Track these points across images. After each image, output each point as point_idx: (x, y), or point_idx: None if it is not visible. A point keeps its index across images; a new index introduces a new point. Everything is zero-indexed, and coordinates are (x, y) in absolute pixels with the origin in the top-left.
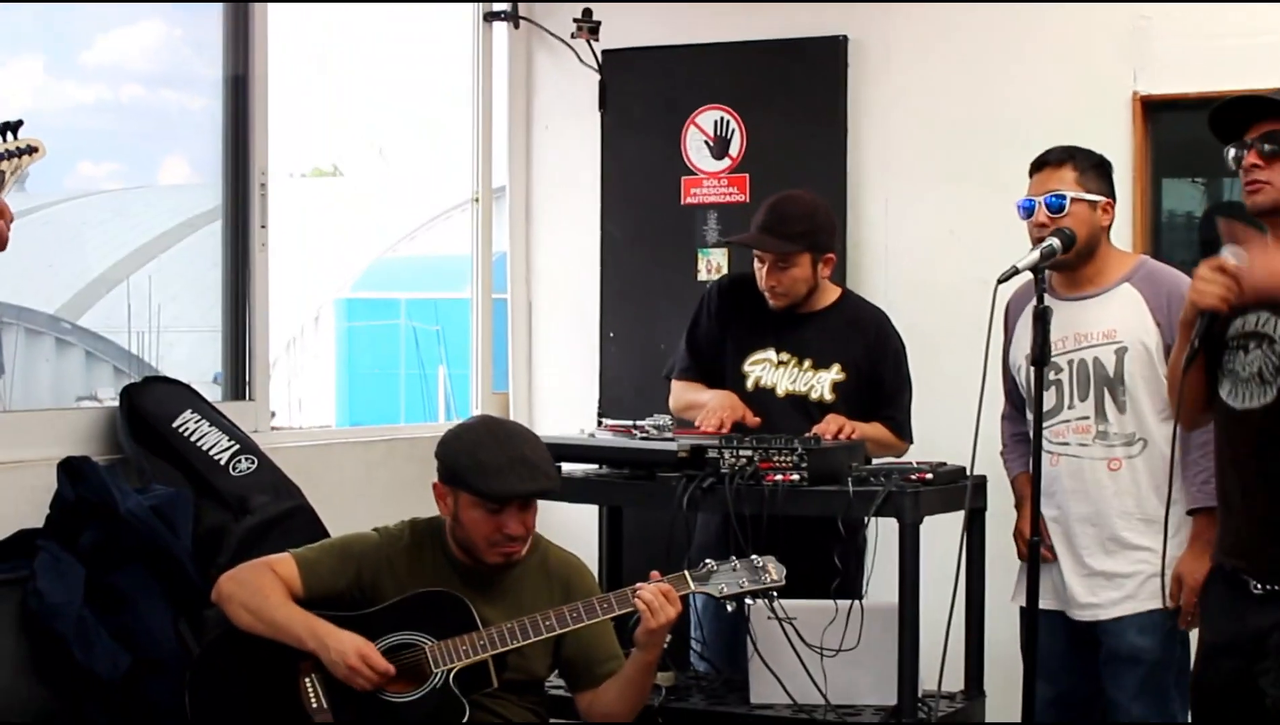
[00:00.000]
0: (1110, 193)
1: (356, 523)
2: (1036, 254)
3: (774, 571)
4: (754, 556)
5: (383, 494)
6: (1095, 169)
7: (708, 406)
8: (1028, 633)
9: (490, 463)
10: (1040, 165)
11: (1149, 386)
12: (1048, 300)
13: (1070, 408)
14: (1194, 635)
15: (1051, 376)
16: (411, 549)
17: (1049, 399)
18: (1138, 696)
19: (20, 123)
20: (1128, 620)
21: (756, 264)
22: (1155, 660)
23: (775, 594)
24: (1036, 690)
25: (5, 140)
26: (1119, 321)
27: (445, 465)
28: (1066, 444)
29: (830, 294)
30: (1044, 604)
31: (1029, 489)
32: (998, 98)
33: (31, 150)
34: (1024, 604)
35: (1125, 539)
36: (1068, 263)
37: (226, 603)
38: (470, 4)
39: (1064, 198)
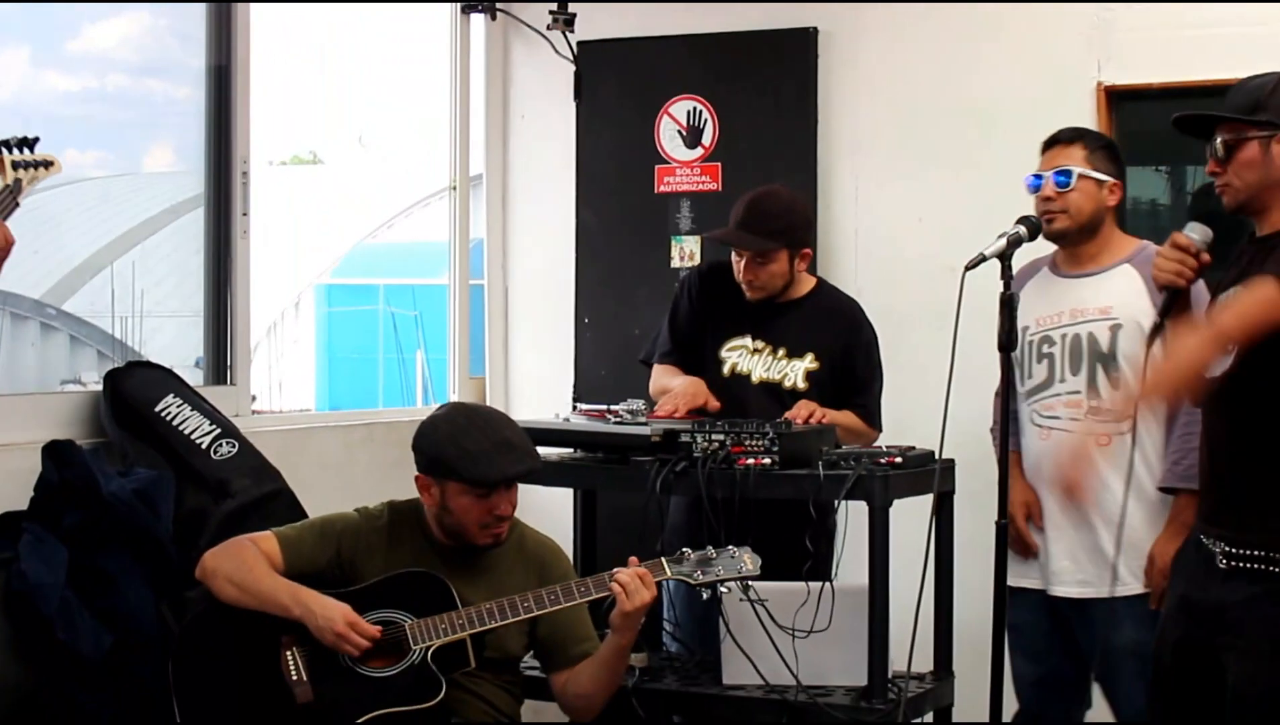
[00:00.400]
0: (1118, 174)
1: (336, 505)
2: (1003, 242)
3: (749, 561)
4: (731, 547)
5: (362, 477)
6: (1104, 150)
7: (672, 391)
8: (997, 613)
9: (476, 450)
10: (1051, 143)
11: (1141, 365)
12: (1050, 276)
13: (1062, 381)
14: None
15: (1045, 350)
16: (391, 529)
17: (1040, 372)
18: (1134, 682)
19: (37, 139)
20: (1120, 605)
21: (734, 257)
22: (1145, 648)
23: (749, 584)
24: (1019, 670)
25: (24, 152)
26: (1116, 299)
27: (428, 456)
28: (1057, 418)
29: (805, 284)
30: (1029, 582)
31: (1019, 468)
32: (965, 87)
33: (47, 164)
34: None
35: (1111, 516)
36: (1070, 238)
37: (211, 578)
38: None
39: (1070, 173)
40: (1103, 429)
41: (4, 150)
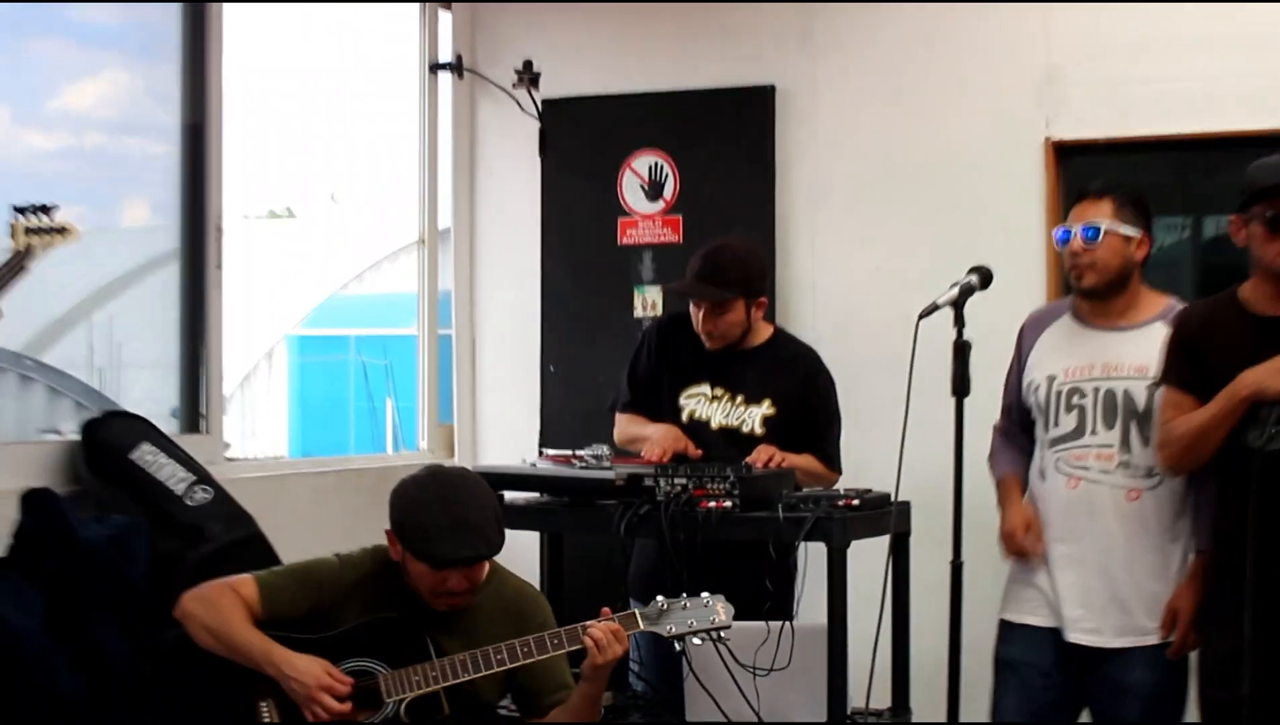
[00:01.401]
0: (1146, 228)
1: (308, 551)
2: (955, 291)
3: (723, 613)
4: (704, 595)
5: (334, 522)
6: (1133, 205)
7: (651, 438)
8: (953, 650)
9: (431, 526)
10: (1080, 197)
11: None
12: (1076, 326)
13: (1093, 433)
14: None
15: (1074, 401)
16: (372, 577)
17: (1069, 422)
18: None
19: (55, 207)
20: (1135, 654)
21: (693, 308)
22: (1159, 694)
23: (721, 634)
24: (1007, 706)
25: (39, 218)
26: (1152, 359)
27: (393, 518)
28: (1086, 468)
29: (763, 332)
30: (1035, 620)
31: (1018, 491)
32: (919, 142)
33: (63, 231)
34: (1007, 618)
35: (1140, 570)
36: (1099, 293)
37: (188, 621)
38: (417, 56)
39: (1098, 229)
40: (1133, 483)
41: (19, 216)
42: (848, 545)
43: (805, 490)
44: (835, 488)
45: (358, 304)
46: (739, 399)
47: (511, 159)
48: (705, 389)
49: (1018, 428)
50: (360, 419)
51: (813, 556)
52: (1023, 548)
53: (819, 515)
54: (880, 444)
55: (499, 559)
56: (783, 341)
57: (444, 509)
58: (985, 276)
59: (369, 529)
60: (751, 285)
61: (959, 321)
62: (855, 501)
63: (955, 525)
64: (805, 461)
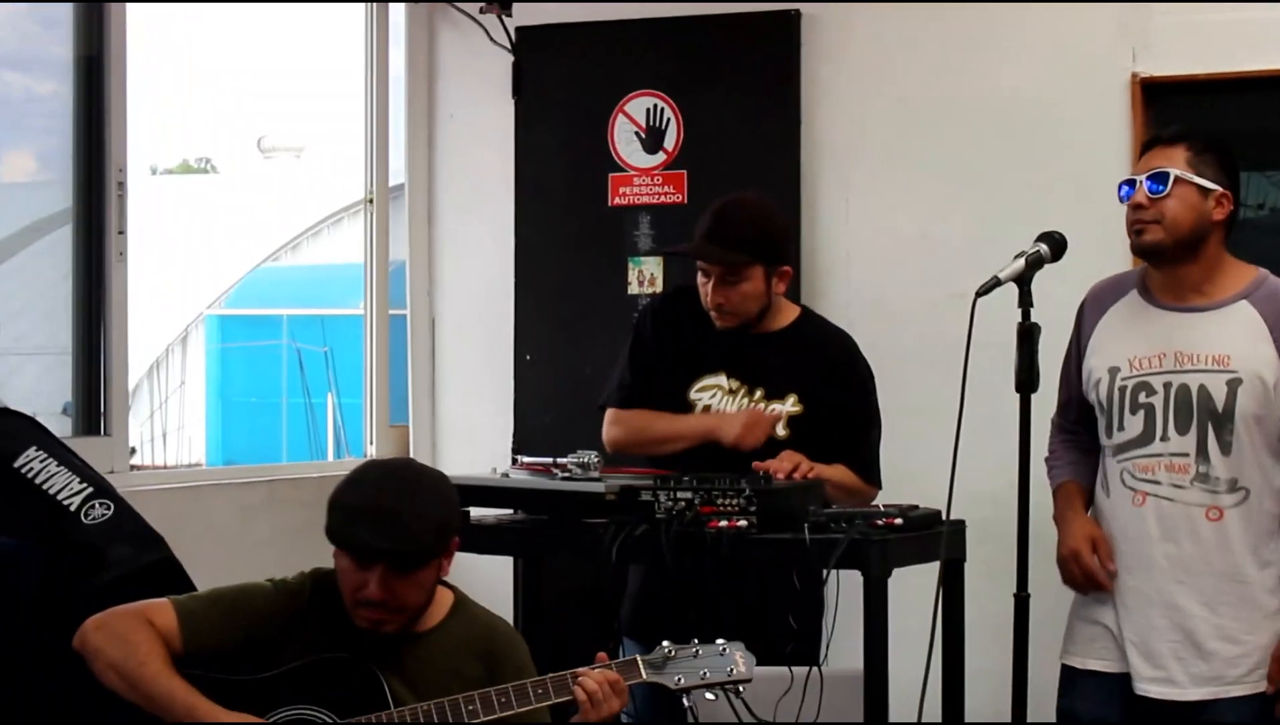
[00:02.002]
0: (1229, 184)
1: (230, 578)
2: (1021, 263)
3: (742, 663)
4: (720, 641)
5: (263, 544)
6: (1212, 152)
7: (727, 418)
8: (1016, 701)
9: (350, 504)
10: (1150, 144)
11: (1262, 427)
12: (1143, 304)
13: (1164, 440)
14: None
15: (1141, 398)
16: (314, 606)
17: (1135, 425)
18: None
19: None
20: (1220, 706)
21: (700, 279)
22: None
23: (740, 690)
24: None
25: None
26: (1235, 347)
27: (327, 505)
28: (1157, 483)
29: (787, 313)
30: (1102, 665)
31: (1080, 501)
32: (977, 79)
33: None
34: (1070, 662)
35: (1221, 605)
36: (1166, 256)
37: (93, 657)
38: None
39: (1167, 177)
40: (1212, 500)
41: None
42: (889, 574)
43: (837, 507)
44: (874, 504)
45: (291, 277)
46: (758, 393)
47: (478, 101)
48: (720, 380)
49: (1080, 427)
50: (295, 418)
51: (846, 588)
52: (1090, 570)
53: (854, 537)
54: (927, 451)
55: (464, 588)
56: (811, 324)
57: (376, 493)
58: (1057, 245)
59: (306, 553)
60: (771, 249)
61: (1025, 300)
62: (898, 520)
63: (1020, 550)
64: (837, 472)
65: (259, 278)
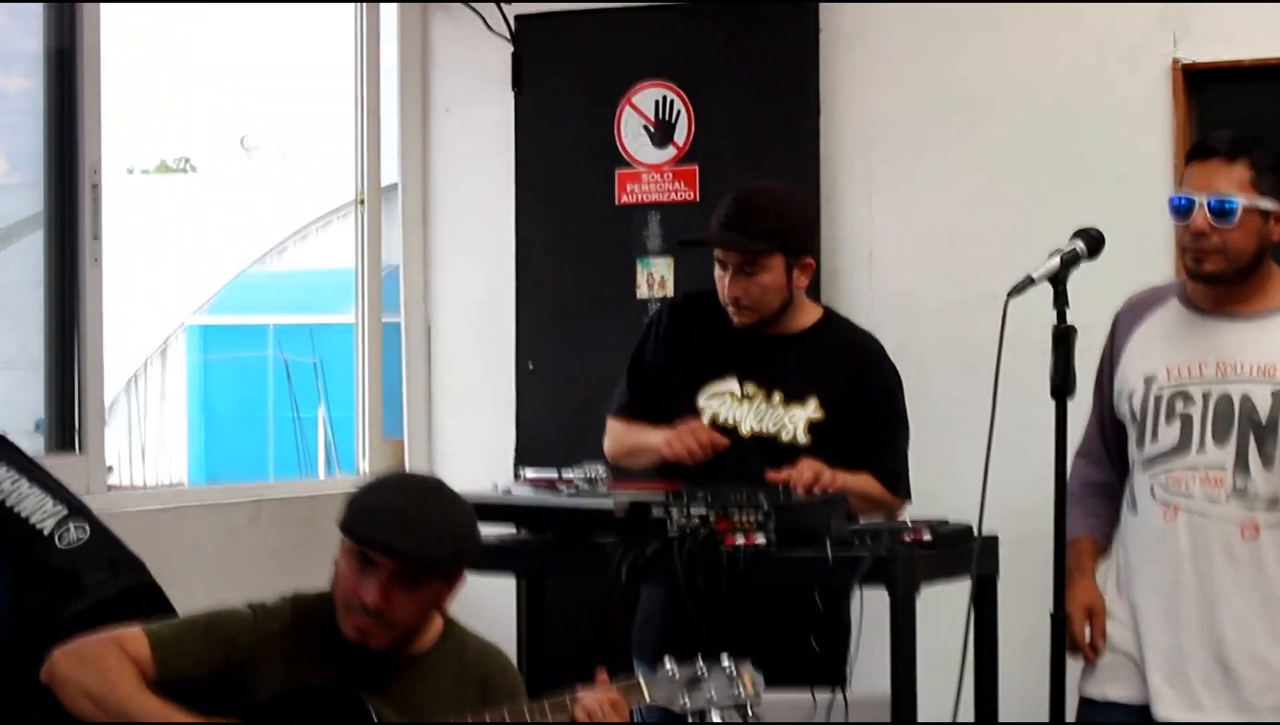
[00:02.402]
0: None
1: (213, 603)
2: (1056, 261)
3: (749, 682)
4: (726, 660)
5: (248, 567)
6: (1274, 171)
7: (666, 433)
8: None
9: (373, 502)
10: (1205, 153)
11: None
12: (1186, 313)
13: (1201, 451)
14: None
15: (1179, 408)
16: (295, 630)
17: (1170, 436)
18: None
19: None
20: None
21: (718, 271)
22: None
23: (750, 712)
24: None
25: None
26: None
27: (347, 502)
28: (1190, 497)
29: (809, 313)
30: (1121, 694)
31: (1091, 561)
32: (1009, 66)
33: None
34: (1087, 693)
35: (1255, 629)
36: (1224, 280)
37: (61, 686)
38: None
39: (1234, 208)
40: (1248, 516)
41: None
42: (917, 592)
43: (862, 521)
44: (900, 518)
45: (278, 284)
46: (776, 398)
47: (476, 94)
48: (733, 385)
49: (1110, 456)
50: (282, 433)
51: (872, 607)
52: (1077, 642)
53: (879, 554)
54: (957, 461)
55: (463, 610)
56: (834, 325)
57: (400, 496)
58: (1095, 242)
59: (295, 575)
60: (794, 238)
61: (1060, 301)
62: (926, 536)
63: (1056, 565)
64: (862, 482)
65: (243, 284)
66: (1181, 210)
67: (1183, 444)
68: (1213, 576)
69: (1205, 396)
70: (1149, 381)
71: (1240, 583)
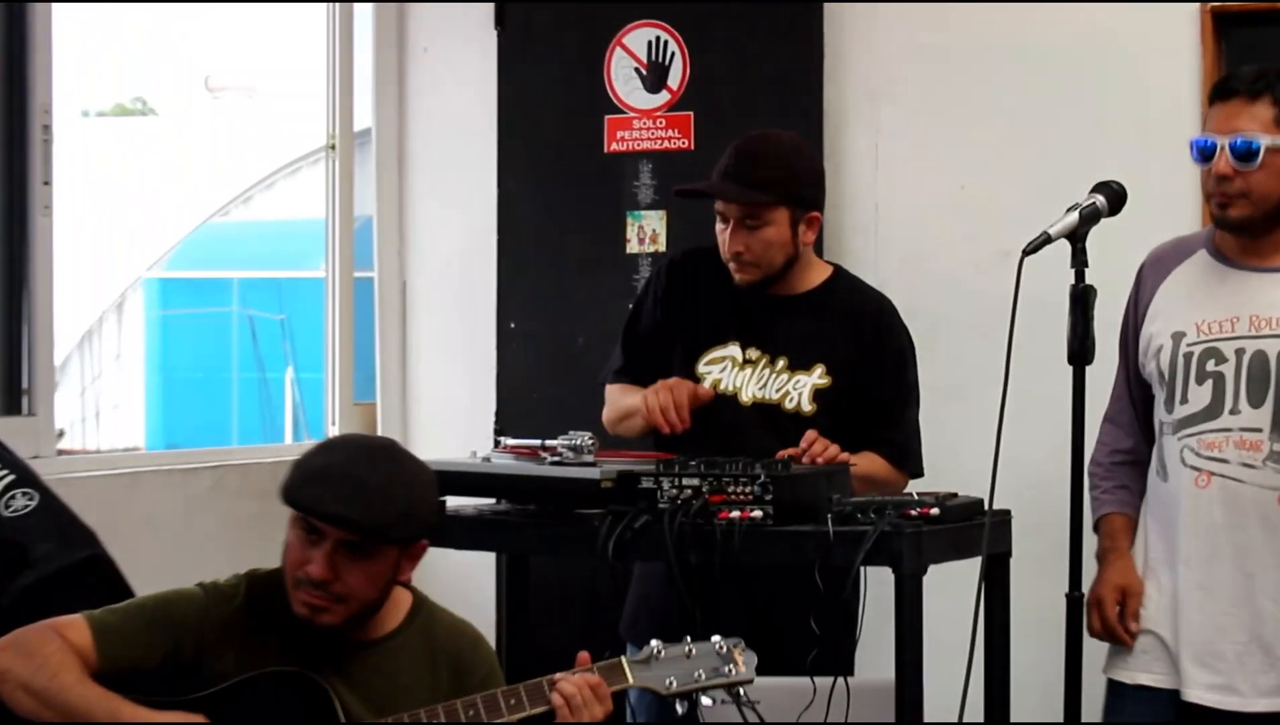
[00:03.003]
0: None
1: (173, 579)
2: (1074, 217)
3: (741, 661)
4: (716, 638)
5: (209, 540)
6: None
7: (648, 392)
8: (1069, 714)
9: (315, 466)
10: (1228, 93)
11: None
12: (1215, 265)
13: (1234, 413)
14: None
15: (1210, 367)
16: (250, 612)
17: (1201, 397)
18: None
19: None
20: None
21: (719, 226)
22: None
23: (742, 694)
24: None
25: None
26: None
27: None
28: (1224, 461)
29: (817, 272)
30: (1151, 678)
31: (1126, 538)
32: (1026, 8)
33: None
34: (1115, 676)
35: None
36: (1250, 228)
37: (0, 681)
38: None
39: (1257, 147)
40: None
41: None
42: (924, 571)
43: (869, 496)
44: (906, 492)
45: (243, 235)
46: (780, 364)
47: (456, 33)
48: (734, 350)
49: (1138, 420)
50: (246, 396)
51: (876, 586)
52: (1110, 625)
53: (883, 529)
54: (968, 431)
55: (426, 588)
56: (843, 286)
57: (346, 459)
58: (1116, 196)
59: (259, 549)
60: (800, 189)
61: (1079, 259)
62: (934, 510)
63: (1073, 543)
64: (869, 461)
65: (205, 236)
66: (1204, 152)
67: (1215, 406)
68: (1249, 548)
69: (1238, 353)
70: (1177, 338)
71: (1279, 554)
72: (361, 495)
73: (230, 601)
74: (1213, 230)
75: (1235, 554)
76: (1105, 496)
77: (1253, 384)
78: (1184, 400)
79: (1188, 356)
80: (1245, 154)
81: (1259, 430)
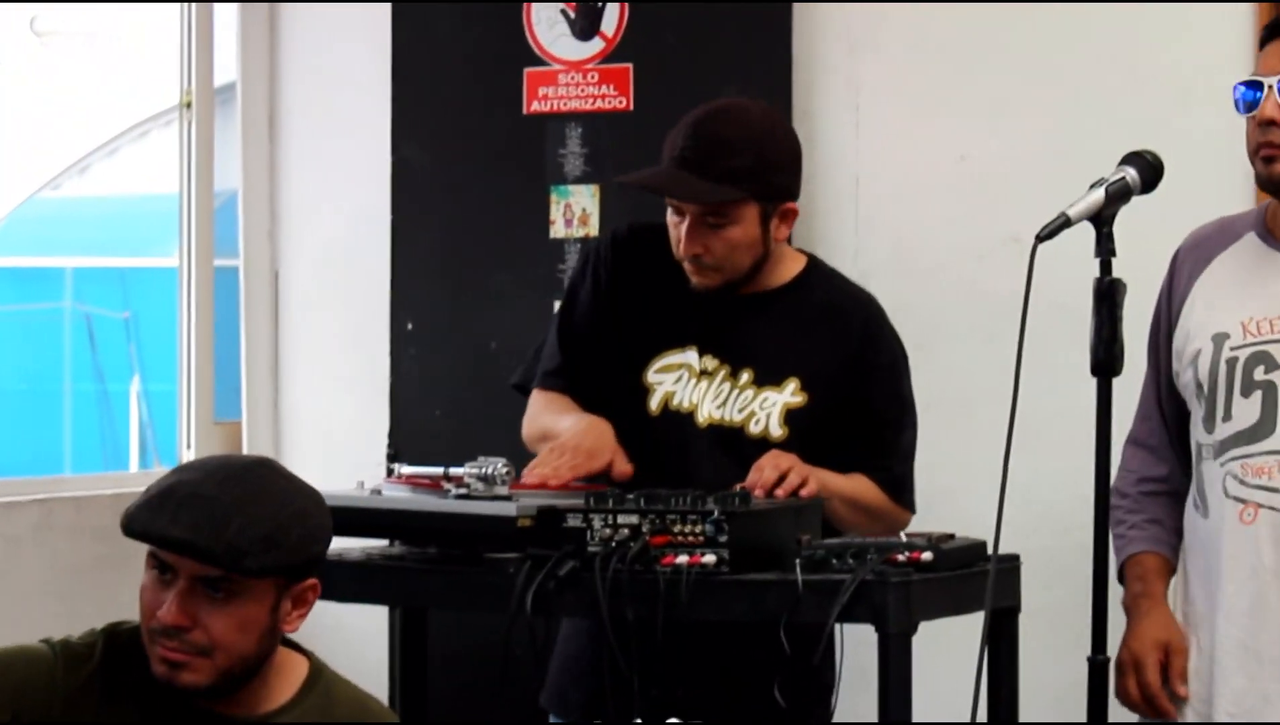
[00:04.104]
0: None
1: None
2: (1099, 194)
3: None
4: (673, 723)
5: (34, 591)
6: None
7: (556, 441)
8: None
9: (161, 487)
10: (1275, 32)
11: None
12: (1265, 249)
13: None
14: None
15: (1258, 375)
16: (107, 677)
17: (1248, 412)
18: None
19: None
20: None
21: (671, 217)
22: None
23: None
24: None
25: None
26: None
27: None
28: (1275, 490)
29: (789, 264)
30: None
31: (1162, 583)
32: None
33: None
34: None
35: None
36: None
37: None
38: None
39: None
40: None
41: None
42: (914, 630)
43: (847, 536)
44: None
45: (78, 214)
46: (744, 377)
47: None
48: (690, 357)
49: (1171, 445)
50: (81, 412)
51: (856, 647)
52: (1153, 692)
53: (864, 578)
54: (968, 456)
55: (320, 649)
56: (821, 281)
57: (202, 478)
58: (1151, 169)
59: (98, 600)
60: (772, 179)
61: (1105, 247)
62: (926, 555)
63: (1096, 596)
64: (854, 485)
65: (31, 213)
66: (1249, 98)
67: (1264, 422)
68: None
69: None
70: (1219, 341)
71: None
72: (210, 516)
73: (85, 663)
74: (1264, 209)
75: None
76: (1133, 532)
77: None
78: (1227, 417)
79: (1231, 363)
80: None
81: None
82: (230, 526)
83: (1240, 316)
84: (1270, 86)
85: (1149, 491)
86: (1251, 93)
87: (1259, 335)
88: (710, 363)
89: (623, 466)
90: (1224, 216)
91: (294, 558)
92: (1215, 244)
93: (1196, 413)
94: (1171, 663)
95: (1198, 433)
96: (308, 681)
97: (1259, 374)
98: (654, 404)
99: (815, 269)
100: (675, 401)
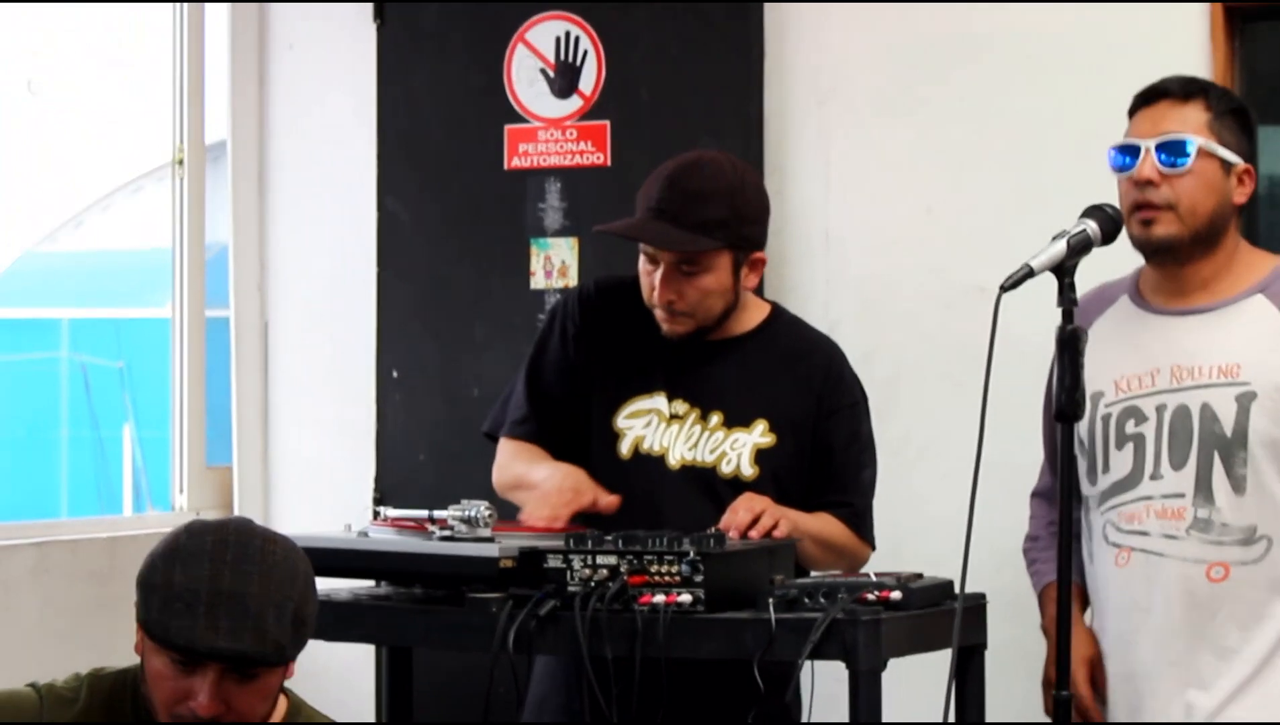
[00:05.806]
0: (1251, 155)
1: None
2: (1061, 246)
3: None
4: None
5: (31, 632)
6: (1235, 116)
7: (540, 488)
8: None
9: (181, 589)
10: (1152, 97)
11: None
12: (1134, 310)
13: (1155, 478)
14: None
15: (1130, 429)
16: (92, 718)
17: (1122, 464)
18: None
19: None
20: None
21: (644, 266)
22: None
23: None
24: None
25: None
26: (1246, 353)
27: (138, 579)
28: (1144, 534)
29: (753, 313)
30: None
31: (1075, 605)
32: (1006, 2)
33: None
34: None
35: (1233, 699)
36: (1177, 252)
37: None
38: None
39: (1187, 147)
40: (1216, 555)
41: None
42: (883, 666)
43: (817, 575)
44: (862, 571)
45: (74, 267)
46: (714, 420)
47: (327, 27)
48: (660, 403)
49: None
50: (77, 458)
51: (827, 684)
52: (1086, 708)
53: (836, 617)
54: (935, 498)
55: (296, 685)
56: (785, 328)
57: (211, 571)
58: (1110, 223)
59: (92, 641)
60: (744, 230)
61: (1067, 297)
62: (895, 594)
63: (1060, 632)
64: (820, 525)
65: (28, 266)
66: (1122, 161)
67: (1135, 472)
68: (1174, 632)
69: (1159, 410)
70: (1095, 399)
71: (1205, 635)
72: (245, 614)
73: (69, 706)
74: (1138, 273)
75: (1159, 642)
76: (1046, 566)
77: (1175, 445)
78: (1105, 469)
79: (1105, 419)
80: (1175, 152)
81: (1181, 496)
82: (267, 622)
83: (1113, 375)
84: (1148, 147)
85: (1056, 532)
86: (1123, 158)
87: (1129, 391)
88: (680, 407)
89: (607, 498)
90: (1104, 282)
91: (313, 626)
92: (1094, 309)
93: (1082, 467)
94: (1095, 673)
95: (1084, 486)
96: (286, 717)
97: (1130, 427)
98: (624, 448)
99: (779, 316)
100: (645, 445)
